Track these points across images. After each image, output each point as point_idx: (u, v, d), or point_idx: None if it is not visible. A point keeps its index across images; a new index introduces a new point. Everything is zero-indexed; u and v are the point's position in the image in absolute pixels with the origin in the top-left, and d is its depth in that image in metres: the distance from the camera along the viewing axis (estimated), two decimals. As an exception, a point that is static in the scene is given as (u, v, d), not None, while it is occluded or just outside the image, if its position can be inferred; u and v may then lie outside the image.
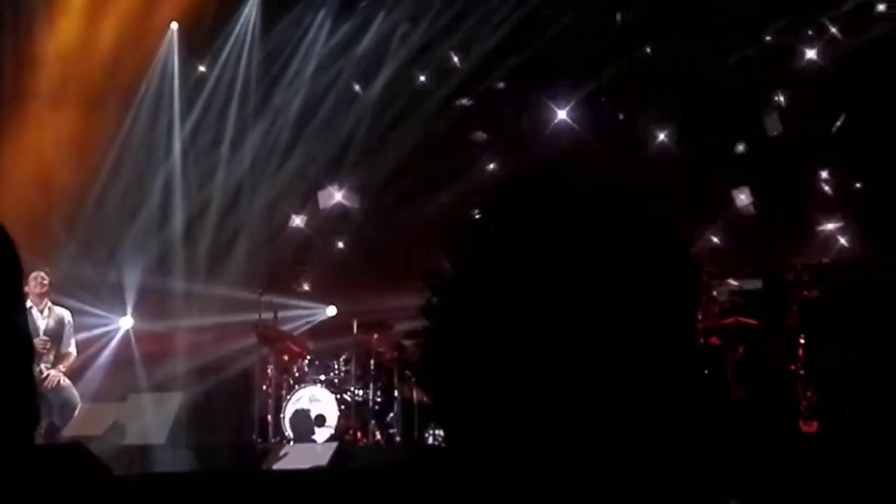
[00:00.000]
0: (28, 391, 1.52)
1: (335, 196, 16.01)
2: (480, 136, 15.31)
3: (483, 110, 15.60)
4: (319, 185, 16.01)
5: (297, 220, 16.20)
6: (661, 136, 14.83)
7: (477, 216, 1.24)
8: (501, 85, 15.49)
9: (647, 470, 1.15)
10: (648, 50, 14.97)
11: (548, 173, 1.23)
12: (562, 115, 15.31)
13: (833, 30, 14.25)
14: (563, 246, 1.17)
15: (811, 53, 14.43)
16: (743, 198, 14.39)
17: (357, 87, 16.04)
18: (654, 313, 1.17)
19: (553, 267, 1.16)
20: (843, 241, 14.13)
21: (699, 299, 1.24)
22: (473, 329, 1.18)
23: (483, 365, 1.17)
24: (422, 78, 15.94)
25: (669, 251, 1.22)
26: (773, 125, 14.44)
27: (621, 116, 15.15)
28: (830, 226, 14.20)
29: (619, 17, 14.92)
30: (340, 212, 15.99)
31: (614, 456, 1.14)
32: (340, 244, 16.02)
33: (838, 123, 14.23)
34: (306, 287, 14.36)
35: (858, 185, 14.22)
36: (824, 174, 14.43)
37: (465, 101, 15.62)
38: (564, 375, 1.14)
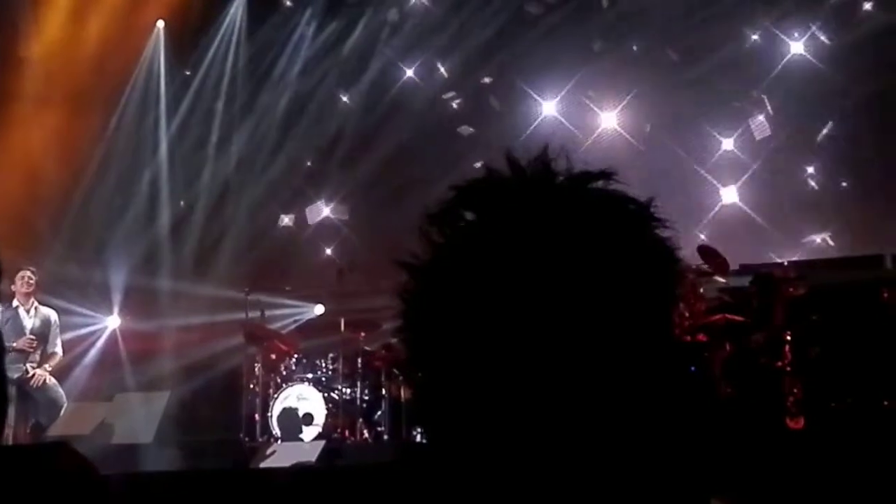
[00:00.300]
0: None
1: (323, 210, 16.00)
2: (467, 130, 15.31)
3: (470, 105, 15.59)
4: (306, 192, 15.99)
5: (286, 220, 16.18)
6: (648, 128, 14.85)
7: (454, 201, 1.23)
8: (487, 80, 15.51)
9: (628, 467, 1.15)
10: (635, 47, 15.00)
11: (528, 162, 1.23)
12: (548, 108, 15.34)
13: (822, 35, 14.26)
14: (540, 234, 1.16)
15: (797, 49, 14.45)
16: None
17: (345, 99, 16.02)
18: (633, 302, 1.16)
19: (529, 255, 1.15)
20: (829, 239, 14.17)
21: (678, 288, 1.23)
22: (448, 316, 1.18)
23: (458, 355, 1.17)
24: (409, 73, 15.94)
25: (647, 238, 1.21)
26: (760, 129, 14.46)
27: (610, 118, 15.15)
28: (818, 224, 14.23)
29: (604, 2, 14.93)
30: (329, 225, 16.00)
31: (594, 450, 1.13)
32: (329, 251, 15.99)
33: (825, 131, 14.25)
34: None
35: (844, 184, 14.26)
36: (810, 169, 14.45)
37: (452, 95, 15.61)
38: (541, 364, 1.13)
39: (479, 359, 1.16)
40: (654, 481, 1.16)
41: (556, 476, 1.13)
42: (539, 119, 15.21)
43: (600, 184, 1.23)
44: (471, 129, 15.26)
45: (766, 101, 14.51)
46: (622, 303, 1.16)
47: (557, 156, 1.24)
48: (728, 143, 14.69)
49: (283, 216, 16.16)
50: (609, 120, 15.12)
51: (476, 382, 1.16)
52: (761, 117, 14.48)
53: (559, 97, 15.28)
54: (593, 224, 1.18)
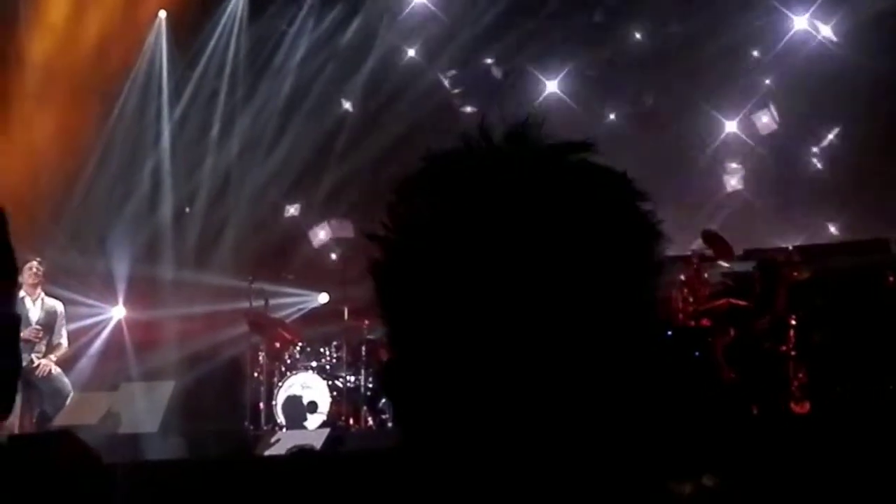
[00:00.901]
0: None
1: (327, 234, 15.84)
2: (469, 109, 15.27)
3: (472, 84, 15.53)
4: (309, 180, 15.88)
5: (292, 210, 16.12)
6: (650, 100, 14.78)
7: (426, 172, 1.21)
8: (490, 60, 15.46)
9: (600, 439, 1.12)
10: (638, 35, 14.95)
11: (505, 133, 1.21)
12: (552, 87, 15.28)
13: (828, 16, 14.18)
14: (511, 204, 1.14)
15: (800, 24, 14.35)
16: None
17: (347, 106, 15.96)
18: (609, 272, 1.13)
19: (500, 226, 1.12)
20: (835, 223, 14.13)
21: (658, 258, 1.20)
22: (416, 289, 1.16)
23: (426, 329, 1.15)
24: (411, 53, 15.88)
25: (625, 210, 1.18)
26: (766, 126, 14.40)
27: (613, 101, 15.11)
28: (823, 208, 14.18)
29: None
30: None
31: (569, 428, 1.11)
32: (334, 256, 15.88)
33: (830, 136, 14.17)
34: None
35: (851, 168, 14.21)
36: (816, 152, 14.40)
37: (454, 74, 15.54)
38: (514, 338, 1.11)
39: (448, 335, 1.13)
40: (620, 456, 1.14)
41: (528, 456, 1.11)
42: (542, 98, 15.13)
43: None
44: (473, 109, 15.17)
45: (770, 85, 14.45)
46: (597, 273, 1.13)
47: (537, 127, 1.21)
48: (732, 126, 14.63)
49: (288, 207, 16.10)
50: (612, 103, 15.04)
51: (445, 359, 1.13)
52: (766, 118, 14.40)
53: (561, 77, 15.21)
54: (568, 194, 1.16)
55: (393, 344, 1.21)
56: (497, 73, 15.44)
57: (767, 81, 14.49)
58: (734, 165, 14.63)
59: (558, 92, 15.25)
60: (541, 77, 15.29)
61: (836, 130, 14.22)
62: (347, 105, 16.03)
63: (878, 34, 13.55)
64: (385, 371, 1.23)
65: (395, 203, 1.21)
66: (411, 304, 1.17)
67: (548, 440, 1.12)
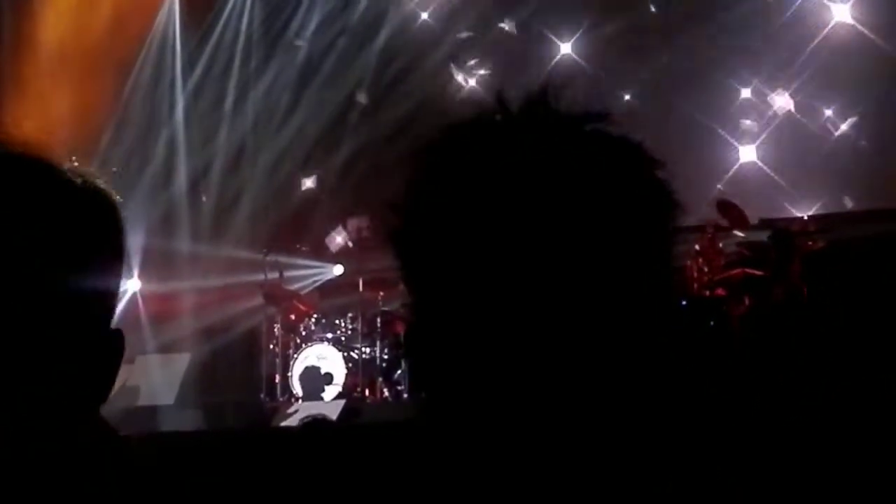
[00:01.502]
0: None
1: (345, 239, 15.71)
2: (482, 73, 15.19)
3: (485, 47, 15.44)
4: (323, 151, 15.83)
5: (308, 183, 16.06)
6: (666, 58, 14.66)
7: (441, 141, 1.22)
8: (504, 23, 15.36)
9: (618, 405, 1.13)
10: (653, 9, 14.84)
11: (522, 101, 1.21)
12: (566, 49, 15.16)
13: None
14: (527, 169, 1.14)
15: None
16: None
17: (362, 100, 15.86)
18: (627, 236, 1.14)
19: (515, 190, 1.13)
20: (852, 193, 14.06)
21: (675, 224, 1.20)
22: (431, 251, 1.17)
23: (442, 291, 1.16)
24: (424, 16, 15.77)
25: (643, 176, 1.18)
26: (781, 107, 14.32)
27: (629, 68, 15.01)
28: (840, 178, 14.10)
29: None
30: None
31: (587, 394, 1.12)
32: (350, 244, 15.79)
33: (844, 127, 14.07)
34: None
35: (867, 136, 14.12)
36: (830, 118, 14.30)
37: (467, 36, 15.44)
38: (529, 306, 1.11)
39: (468, 300, 1.14)
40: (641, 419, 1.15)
41: (548, 423, 1.11)
42: (556, 60, 15.01)
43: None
44: (486, 72, 15.08)
45: (786, 56, 14.33)
46: (613, 240, 1.14)
47: (555, 95, 1.22)
48: (747, 93, 14.51)
49: (304, 179, 16.04)
50: (627, 68, 14.90)
51: (465, 324, 1.15)
52: (782, 101, 14.29)
53: (575, 39, 15.08)
54: (585, 162, 1.16)
55: (414, 309, 1.22)
56: (511, 32, 15.30)
57: (785, 54, 14.36)
58: (749, 132, 14.52)
59: (572, 55, 15.09)
60: (555, 39, 15.14)
61: (853, 99, 14.10)
62: (361, 97, 15.91)
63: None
64: (406, 334, 1.24)
65: (414, 170, 1.22)
66: (431, 269, 1.18)
67: (568, 409, 1.12)
